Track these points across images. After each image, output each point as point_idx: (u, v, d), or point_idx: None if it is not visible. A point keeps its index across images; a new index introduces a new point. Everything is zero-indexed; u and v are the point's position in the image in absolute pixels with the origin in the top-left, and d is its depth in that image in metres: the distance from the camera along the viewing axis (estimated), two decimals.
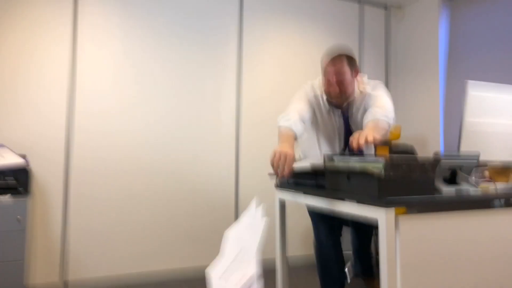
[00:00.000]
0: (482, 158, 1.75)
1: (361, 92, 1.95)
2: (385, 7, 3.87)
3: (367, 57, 3.77)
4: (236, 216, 3.14)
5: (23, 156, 2.45)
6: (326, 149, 2.02)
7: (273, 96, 3.32)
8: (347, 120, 1.96)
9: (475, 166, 1.60)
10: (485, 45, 3.07)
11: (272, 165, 1.51)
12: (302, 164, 1.99)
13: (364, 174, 1.35)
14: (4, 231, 2.08)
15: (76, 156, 2.68)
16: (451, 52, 3.36)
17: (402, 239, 1.28)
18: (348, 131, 1.97)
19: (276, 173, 1.51)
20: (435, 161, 1.35)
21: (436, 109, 3.49)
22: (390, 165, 1.27)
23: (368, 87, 1.97)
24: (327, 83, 1.87)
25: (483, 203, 1.51)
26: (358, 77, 1.94)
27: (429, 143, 3.51)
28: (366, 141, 1.48)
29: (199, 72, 3.06)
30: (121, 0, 2.85)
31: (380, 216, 1.27)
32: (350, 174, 1.42)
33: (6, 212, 2.08)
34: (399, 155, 1.29)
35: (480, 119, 1.74)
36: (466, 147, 1.72)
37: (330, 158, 1.58)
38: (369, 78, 3.67)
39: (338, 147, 2.00)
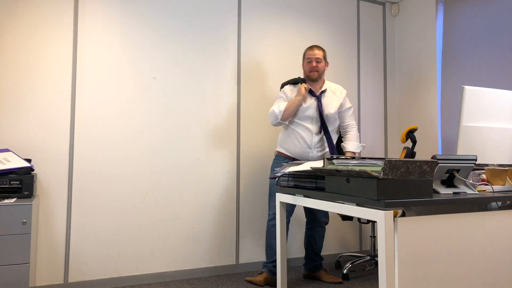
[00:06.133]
0: (479, 161, 1.78)
1: (324, 81, 2.79)
2: (382, 3, 3.91)
3: (365, 52, 3.79)
4: (237, 218, 3.17)
5: (28, 160, 2.48)
6: (302, 133, 2.68)
7: (272, 94, 3.35)
8: (320, 101, 2.70)
9: (472, 169, 1.63)
10: (480, 40, 3.10)
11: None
12: (303, 167, 2.02)
13: (363, 177, 1.38)
14: (10, 235, 2.10)
15: (79, 159, 2.72)
16: (446, 47, 3.38)
17: (401, 241, 1.31)
18: (320, 113, 2.67)
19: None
20: (433, 164, 1.38)
21: (434, 107, 3.52)
22: (388, 168, 1.31)
23: (331, 84, 2.83)
24: (307, 62, 2.72)
25: (480, 205, 1.54)
26: (326, 68, 2.77)
27: (428, 144, 3.54)
28: None
29: (199, 73, 3.10)
30: (121, 1, 2.89)
31: (379, 218, 1.30)
32: (349, 176, 1.45)
33: (12, 216, 2.11)
34: (397, 159, 1.32)
35: (476, 123, 1.77)
36: (464, 151, 1.76)
37: (330, 161, 1.61)
38: (367, 75, 3.76)
39: (315, 128, 2.67)
